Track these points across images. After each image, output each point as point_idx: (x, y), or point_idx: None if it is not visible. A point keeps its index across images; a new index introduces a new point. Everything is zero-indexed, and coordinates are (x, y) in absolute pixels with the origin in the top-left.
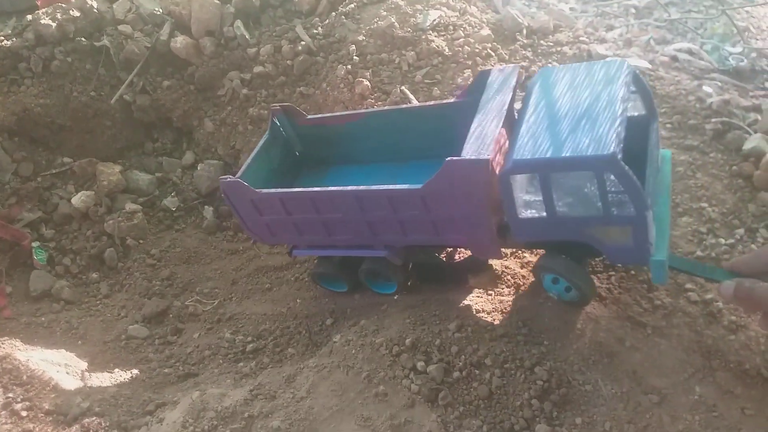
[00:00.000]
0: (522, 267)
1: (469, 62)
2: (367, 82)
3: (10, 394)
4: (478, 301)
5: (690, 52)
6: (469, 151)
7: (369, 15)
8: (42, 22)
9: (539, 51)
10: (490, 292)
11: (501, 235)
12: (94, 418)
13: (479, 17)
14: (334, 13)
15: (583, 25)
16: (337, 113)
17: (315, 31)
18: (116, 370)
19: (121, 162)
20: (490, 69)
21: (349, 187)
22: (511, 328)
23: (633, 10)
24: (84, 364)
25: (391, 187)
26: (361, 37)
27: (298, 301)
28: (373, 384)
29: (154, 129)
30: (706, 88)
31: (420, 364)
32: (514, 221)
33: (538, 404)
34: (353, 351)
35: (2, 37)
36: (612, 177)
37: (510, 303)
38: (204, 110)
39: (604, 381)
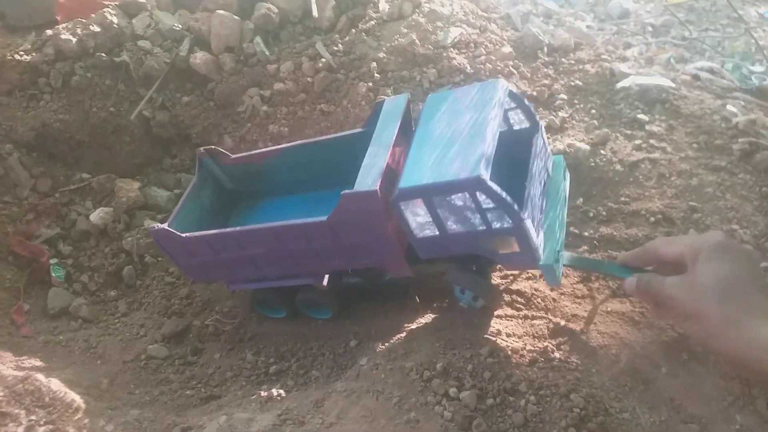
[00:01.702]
0: (552, 290)
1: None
2: (409, 94)
3: (33, 417)
4: (508, 324)
5: (711, 70)
6: (360, 184)
7: (389, 32)
8: (62, 37)
9: (561, 69)
10: (520, 315)
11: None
12: None
13: (500, 34)
14: (354, 30)
15: (601, 43)
16: (255, 151)
17: (335, 48)
18: (137, 391)
19: (139, 178)
20: (384, 99)
21: (266, 225)
22: (544, 353)
23: (650, 28)
24: (105, 385)
25: (301, 221)
26: (381, 54)
27: (319, 321)
28: (404, 410)
29: (173, 145)
30: (731, 108)
31: (452, 390)
32: (414, 242)
33: None
34: (382, 375)
35: (22, 52)
36: (483, 196)
37: (541, 326)
38: (223, 127)
39: (642, 409)
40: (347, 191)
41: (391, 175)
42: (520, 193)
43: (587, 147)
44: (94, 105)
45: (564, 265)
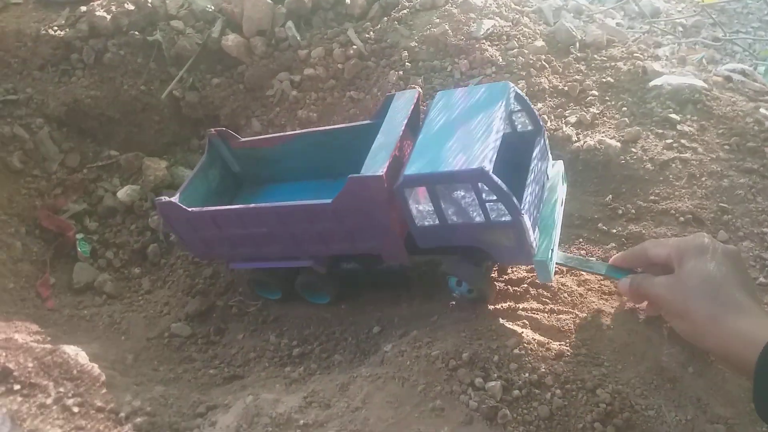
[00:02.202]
0: (579, 285)
1: (523, 73)
2: (419, 89)
3: (61, 389)
4: (534, 318)
5: (744, 73)
6: (367, 169)
7: (422, 21)
8: (97, 14)
9: (593, 65)
10: (546, 309)
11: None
12: (146, 417)
13: (532, 28)
14: (386, 19)
15: (633, 41)
16: (267, 136)
17: (367, 35)
18: (161, 368)
19: (166, 157)
20: (395, 93)
21: (270, 204)
22: (571, 347)
23: (680, 29)
24: (129, 360)
25: (305, 202)
26: (413, 44)
27: (342, 306)
28: (430, 398)
29: (201, 126)
30: (764, 111)
31: (478, 381)
32: (414, 229)
33: (601, 428)
34: (408, 362)
35: (56, 27)
36: (486, 187)
37: (567, 321)
38: (252, 110)
39: (668, 407)
40: (354, 175)
41: (397, 163)
42: (519, 192)
43: (618, 144)
44: (125, 82)
45: (556, 264)
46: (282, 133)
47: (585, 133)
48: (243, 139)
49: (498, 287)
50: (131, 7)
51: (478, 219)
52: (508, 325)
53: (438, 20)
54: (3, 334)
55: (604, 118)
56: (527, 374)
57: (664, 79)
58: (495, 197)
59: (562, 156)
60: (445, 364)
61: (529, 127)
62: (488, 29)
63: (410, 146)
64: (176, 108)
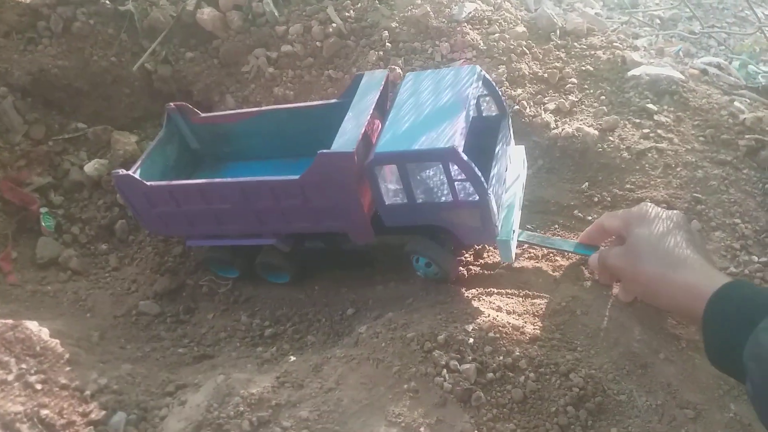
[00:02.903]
0: (554, 270)
1: (504, 58)
2: (399, 70)
3: (23, 365)
4: (509, 302)
5: (719, 66)
6: (338, 145)
7: (403, 2)
8: None
9: (573, 53)
10: (521, 294)
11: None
12: (112, 395)
13: (514, 14)
14: None
15: (612, 30)
16: (229, 112)
17: (347, 14)
18: (128, 346)
19: (137, 132)
20: (363, 72)
21: (235, 179)
22: (545, 332)
23: (658, 21)
24: (95, 338)
25: (272, 178)
26: (394, 24)
27: (316, 288)
28: (404, 380)
29: (172, 100)
30: (738, 104)
31: (453, 363)
32: (382, 208)
33: (574, 411)
34: (383, 344)
35: None
36: (455, 167)
37: (542, 306)
38: (226, 86)
39: (639, 392)
40: (324, 150)
41: (366, 141)
42: (485, 174)
43: (596, 132)
44: (95, 53)
45: (519, 242)
46: (244, 110)
47: (563, 120)
48: (203, 115)
49: (473, 271)
50: None
51: (445, 198)
52: (484, 308)
53: (420, 1)
54: None
55: (583, 106)
56: (501, 357)
57: (643, 69)
58: (464, 177)
59: (540, 142)
60: (420, 346)
61: (495, 112)
62: (470, 12)
63: (378, 126)
64: (148, 81)
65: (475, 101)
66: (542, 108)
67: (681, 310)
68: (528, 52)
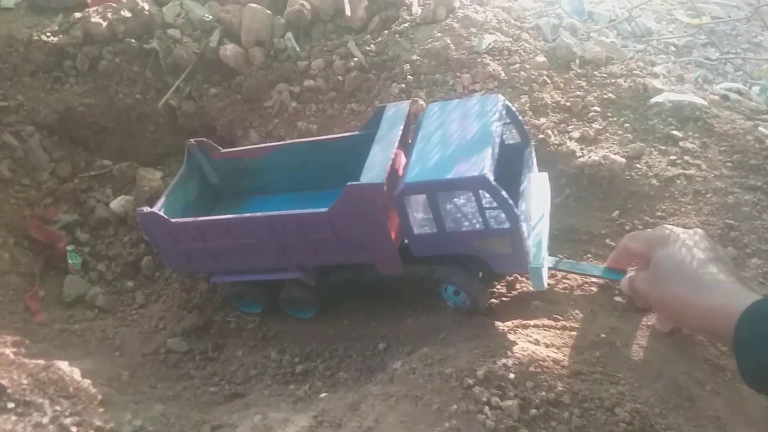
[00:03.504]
0: (590, 302)
1: (526, 88)
2: (422, 102)
3: (58, 407)
4: (546, 335)
5: (739, 92)
6: (366, 177)
7: (423, 35)
8: (92, 20)
9: (593, 81)
10: (558, 326)
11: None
12: None
13: (533, 44)
14: (386, 32)
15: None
16: (249, 147)
17: (367, 48)
18: (159, 385)
19: (161, 168)
20: (386, 104)
21: (261, 213)
22: (586, 365)
23: (673, 48)
24: (125, 377)
25: (299, 211)
26: (414, 57)
27: (345, 322)
28: (445, 417)
29: (196, 136)
30: (763, 129)
31: (494, 399)
32: (411, 238)
33: None
34: (420, 380)
35: (48, 33)
36: (487, 195)
37: (580, 338)
38: (250, 121)
39: (687, 426)
40: (353, 183)
41: (393, 173)
42: (514, 201)
43: (622, 160)
44: (120, 91)
45: (549, 269)
46: (264, 144)
47: (589, 148)
48: (223, 150)
49: (506, 302)
50: (127, 14)
51: (476, 226)
52: (521, 342)
53: (439, 34)
54: None
55: (607, 134)
56: (544, 392)
57: (665, 96)
58: (495, 204)
59: (567, 171)
60: (459, 383)
61: (517, 140)
62: (490, 44)
63: (401, 157)
64: (172, 118)
65: (502, 130)
66: (567, 137)
67: (711, 332)
68: (549, 81)
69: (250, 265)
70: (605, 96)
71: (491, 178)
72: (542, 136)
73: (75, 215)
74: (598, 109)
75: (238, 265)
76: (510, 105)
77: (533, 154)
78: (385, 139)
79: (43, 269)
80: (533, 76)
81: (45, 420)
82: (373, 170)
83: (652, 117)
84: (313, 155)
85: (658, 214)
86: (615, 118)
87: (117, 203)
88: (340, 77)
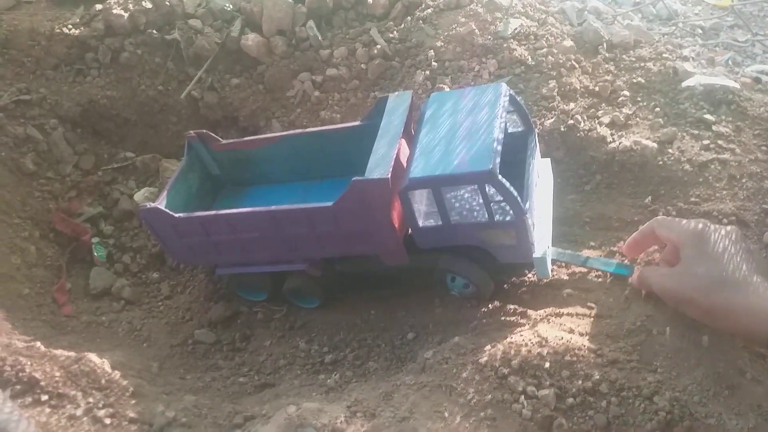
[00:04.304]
0: (624, 289)
1: (554, 73)
2: (448, 89)
3: (91, 399)
4: (580, 323)
5: None
6: (371, 172)
7: (447, 21)
8: (114, 12)
9: (622, 66)
10: (592, 314)
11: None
12: (182, 429)
13: (559, 28)
14: (409, 18)
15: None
16: (250, 138)
17: (390, 35)
18: (188, 376)
19: None
20: (388, 95)
21: (265, 207)
22: (622, 353)
23: (699, 31)
24: (155, 369)
25: (304, 205)
26: (439, 43)
27: (372, 312)
28: (480, 407)
29: (219, 127)
30: None
31: (530, 389)
32: (416, 231)
33: None
34: (454, 370)
35: (70, 26)
36: (491, 189)
37: (615, 327)
38: (272, 111)
39: (728, 415)
40: (358, 178)
41: (397, 165)
42: (518, 192)
43: (654, 145)
44: (143, 83)
45: (552, 259)
46: (264, 135)
47: (619, 133)
48: (224, 142)
49: (538, 291)
50: (149, 5)
51: (481, 219)
52: (556, 330)
53: (463, 19)
54: (23, 342)
55: (637, 119)
56: (581, 381)
57: (696, 79)
58: (500, 198)
59: (597, 157)
60: (493, 372)
61: (521, 128)
62: (516, 29)
63: (404, 148)
64: (195, 109)
65: (505, 121)
66: (596, 122)
67: (746, 332)
68: (577, 66)
69: (255, 258)
70: (635, 80)
71: (497, 172)
72: (571, 121)
73: (99, 208)
74: (628, 93)
75: (243, 257)
76: (513, 93)
77: (536, 141)
78: (388, 132)
79: (69, 262)
80: (561, 61)
81: (79, 412)
82: (378, 165)
83: (683, 101)
84: (314, 146)
85: (692, 200)
86: (645, 103)
87: (141, 195)
88: (363, 65)
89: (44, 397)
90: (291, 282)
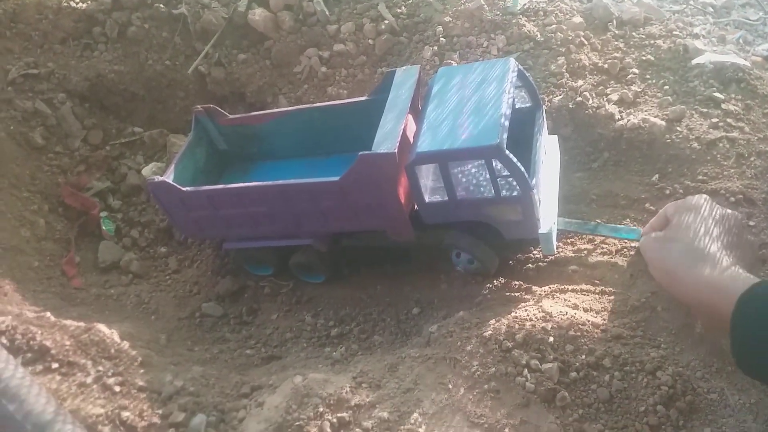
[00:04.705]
0: (629, 266)
1: (563, 49)
2: (456, 65)
3: (100, 368)
4: (585, 299)
5: None
6: (378, 146)
7: None
8: None
9: (632, 43)
10: (597, 291)
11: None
12: (190, 397)
13: (569, 4)
14: None
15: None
16: (257, 113)
17: (398, 10)
18: (196, 348)
19: None
20: (395, 69)
21: (273, 182)
22: (626, 329)
23: (711, 9)
24: (163, 340)
25: (311, 180)
26: (447, 18)
27: (377, 287)
28: (484, 379)
29: (226, 103)
30: None
31: (534, 362)
32: (422, 206)
33: (664, 411)
34: (458, 343)
35: (77, 0)
36: (498, 164)
37: (619, 303)
38: (279, 87)
39: (731, 390)
40: (365, 152)
41: (404, 140)
42: (525, 168)
43: (662, 123)
44: (150, 57)
45: (559, 230)
46: (272, 110)
47: (628, 111)
48: (231, 116)
49: (543, 267)
50: None
51: (487, 194)
52: (560, 306)
53: None
54: (33, 312)
55: (646, 97)
56: (584, 356)
57: (706, 57)
58: (507, 173)
59: (605, 134)
60: (497, 346)
61: (528, 103)
62: (525, 4)
63: (411, 123)
64: (202, 84)
65: (513, 96)
66: (605, 99)
67: (703, 307)
68: (586, 42)
69: (262, 232)
70: (644, 57)
71: (504, 147)
72: (580, 98)
73: (107, 182)
74: (637, 71)
75: (250, 232)
76: (522, 68)
77: (544, 117)
78: (395, 106)
79: (78, 235)
80: (570, 38)
81: (89, 380)
82: (385, 139)
83: (692, 79)
84: (321, 121)
85: (700, 178)
86: (654, 80)
87: (149, 170)
88: (370, 41)
89: (55, 365)
90: (297, 257)
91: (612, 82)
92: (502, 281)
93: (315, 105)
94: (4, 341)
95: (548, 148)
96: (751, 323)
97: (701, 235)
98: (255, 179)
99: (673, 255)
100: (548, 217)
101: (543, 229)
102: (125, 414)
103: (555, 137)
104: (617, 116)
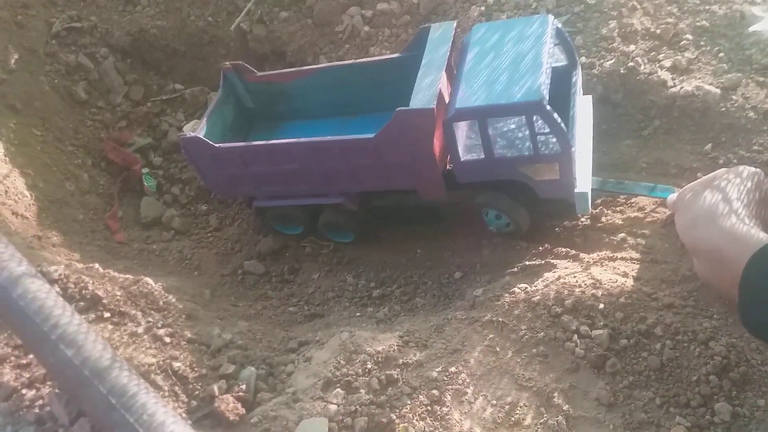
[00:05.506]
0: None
1: (614, 13)
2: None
3: (150, 319)
4: (635, 267)
5: None
6: (416, 102)
7: None
8: None
9: (686, 8)
10: (647, 260)
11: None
12: (238, 350)
13: None
14: None
15: None
16: (287, 70)
17: None
18: (240, 304)
19: None
20: (430, 25)
21: (305, 139)
22: (677, 298)
23: None
24: (207, 295)
25: (345, 137)
26: None
27: (417, 251)
28: (532, 343)
29: (266, 61)
30: None
31: (583, 328)
32: (458, 164)
33: (717, 381)
34: (506, 307)
35: None
36: (539, 120)
37: (670, 272)
38: (320, 46)
39: None
40: (403, 108)
41: (440, 97)
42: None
43: (717, 91)
44: (192, 13)
45: (593, 189)
46: (299, 68)
47: (681, 78)
48: (259, 74)
49: (591, 235)
50: None
51: (526, 152)
52: (610, 273)
53: None
54: (82, 263)
55: (700, 64)
56: (635, 324)
57: (764, 24)
58: (546, 130)
59: (657, 101)
60: (546, 311)
61: (564, 62)
62: None
63: (446, 81)
64: (243, 42)
65: (553, 54)
66: (657, 65)
67: (715, 254)
68: (639, 6)
69: (293, 191)
70: (698, 23)
71: (546, 103)
72: (631, 63)
73: (149, 139)
74: (690, 37)
75: (281, 190)
76: (560, 26)
77: (580, 76)
78: (433, 63)
79: (120, 190)
80: (622, 1)
81: (140, 330)
82: (422, 95)
83: (749, 47)
84: (352, 79)
85: (755, 148)
86: (708, 48)
87: (190, 127)
88: (414, 0)
89: (107, 314)
90: (327, 216)
91: (665, 48)
92: (548, 247)
93: (345, 62)
94: (57, 290)
95: (583, 109)
96: (762, 279)
97: (730, 192)
98: (283, 138)
99: (704, 204)
100: (584, 177)
101: (580, 188)
102: (176, 364)
103: (589, 97)
104: (670, 83)
